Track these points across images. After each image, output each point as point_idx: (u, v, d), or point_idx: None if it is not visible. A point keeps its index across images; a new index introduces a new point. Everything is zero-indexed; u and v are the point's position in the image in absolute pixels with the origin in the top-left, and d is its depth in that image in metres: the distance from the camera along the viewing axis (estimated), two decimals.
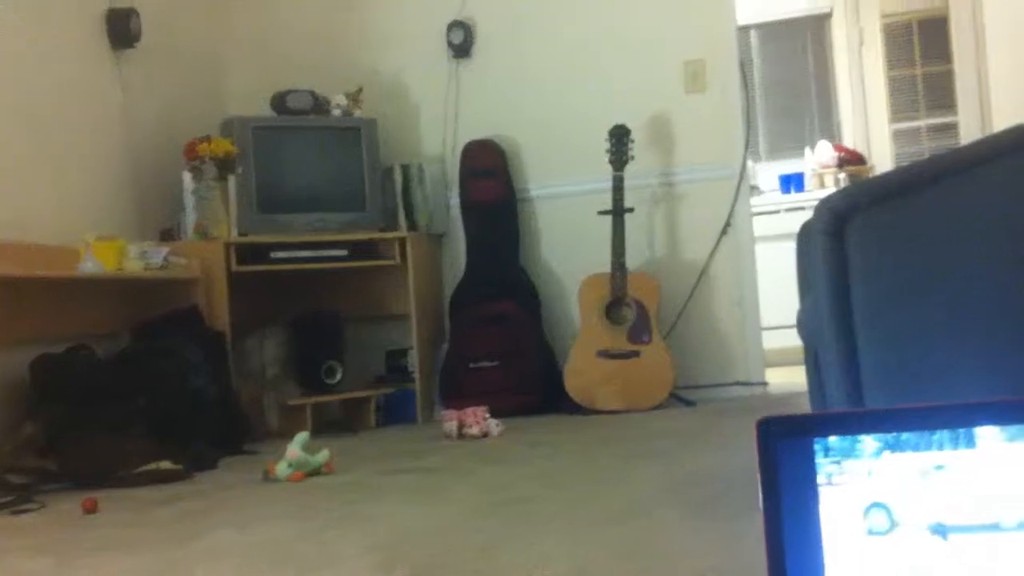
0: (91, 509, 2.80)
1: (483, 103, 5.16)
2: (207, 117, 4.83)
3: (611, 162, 4.69)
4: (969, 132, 5.86)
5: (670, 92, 4.98)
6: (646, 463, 3.06)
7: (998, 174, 2.14)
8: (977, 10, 6.00)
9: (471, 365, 4.73)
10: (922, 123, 7.06)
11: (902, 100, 7.11)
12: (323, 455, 3.26)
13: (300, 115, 4.79)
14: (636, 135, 4.75)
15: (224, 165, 4.53)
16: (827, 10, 7.19)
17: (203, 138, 4.54)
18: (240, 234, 4.51)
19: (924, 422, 1.07)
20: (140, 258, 4.08)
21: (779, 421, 1.17)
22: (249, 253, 4.48)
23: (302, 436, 3.27)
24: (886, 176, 2.96)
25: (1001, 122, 4.94)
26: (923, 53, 7.05)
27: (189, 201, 4.54)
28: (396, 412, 4.74)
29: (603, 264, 4.63)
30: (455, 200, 5.10)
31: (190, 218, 4.53)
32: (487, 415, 4.03)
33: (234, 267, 4.40)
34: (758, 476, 1.15)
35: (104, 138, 4.46)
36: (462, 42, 5.14)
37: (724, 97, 4.95)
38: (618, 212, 4.65)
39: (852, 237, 2.07)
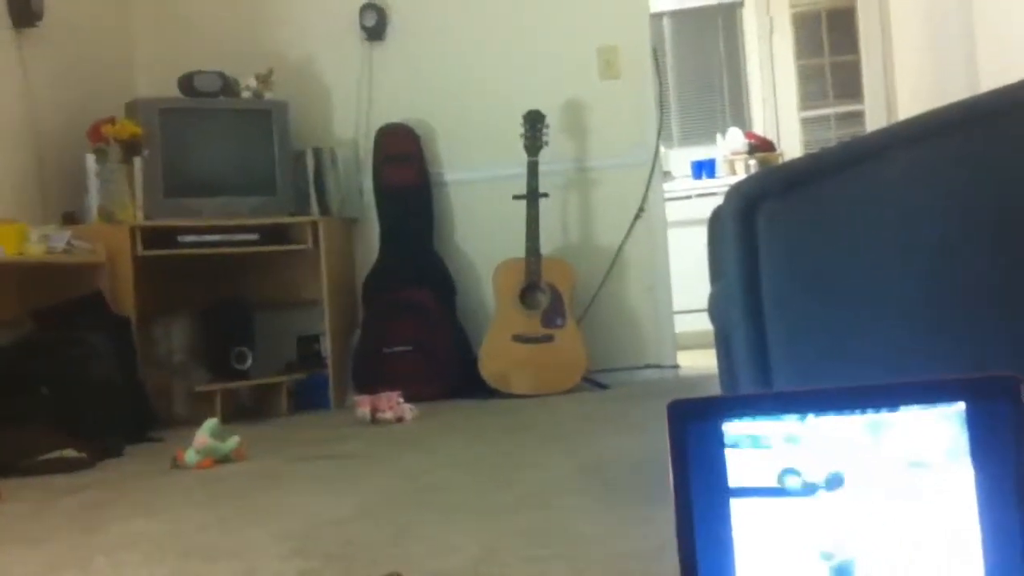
0: None
1: (397, 87, 5.12)
2: (112, 98, 4.69)
3: (525, 147, 4.69)
4: (875, 120, 6.00)
5: (584, 78, 4.99)
6: (559, 447, 3.07)
7: (902, 162, 2.18)
8: (883, 1, 6.14)
9: (385, 351, 4.69)
10: (830, 111, 7.21)
11: (811, 88, 7.24)
12: (233, 442, 3.21)
13: (209, 97, 4.69)
14: (550, 120, 4.76)
15: (130, 147, 4.42)
16: None
17: (108, 119, 4.43)
18: (146, 218, 4.40)
19: (830, 404, 1.08)
20: (41, 242, 3.96)
21: (689, 404, 1.17)
22: (156, 237, 4.38)
23: (211, 423, 3.21)
24: (795, 163, 3.01)
25: (905, 111, 5.06)
26: (831, 42, 7.19)
27: (93, 184, 4.42)
28: (309, 398, 4.69)
29: (517, 249, 4.63)
30: (368, 184, 5.05)
31: (94, 201, 4.41)
32: (400, 400, 4.00)
33: (140, 252, 4.29)
34: (669, 458, 1.16)
35: (4, 119, 4.31)
36: (375, 25, 5.09)
37: (637, 83, 4.98)
38: (532, 197, 4.65)
39: (762, 222, 2.10)
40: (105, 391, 3.76)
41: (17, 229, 3.87)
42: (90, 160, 4.41)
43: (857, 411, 1.06)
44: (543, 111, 4.73)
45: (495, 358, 4.56)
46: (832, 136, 7.07)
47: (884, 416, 1.04)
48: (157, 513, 2.48)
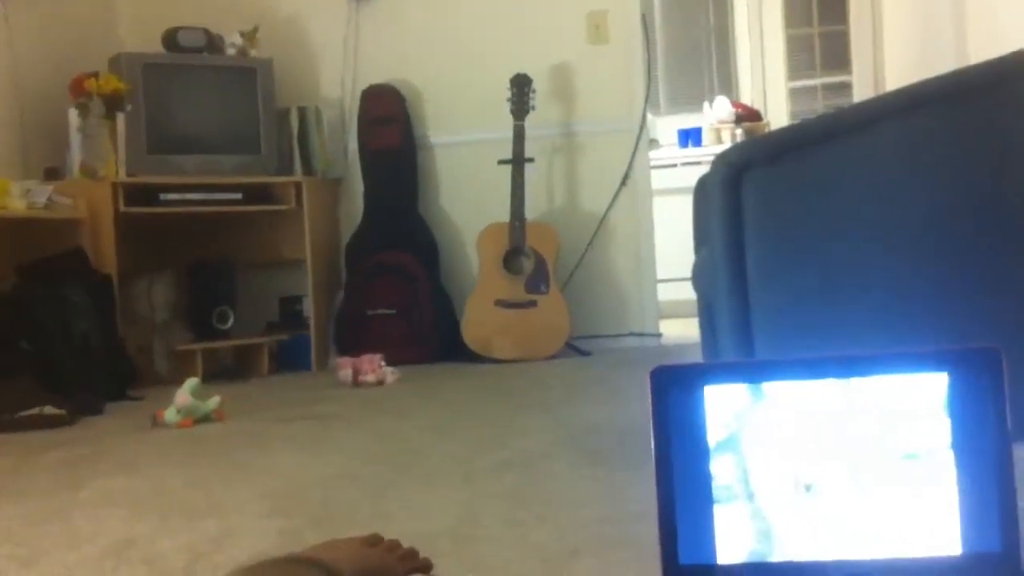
0: None
1: (384, 48, 5.08)
2: (96, 53, 4.64)
3: (512, 111, 4.66)
4: (862, 91, 5.99)
5: (572, 43, 4.96)
6: (539, 413, 3.08)
7: (889, 134, 2.19)
8: None
9: (368, 313, 4.69)
10: (818, 81, 7.20)
11: (799, 59, 7.23)
12: (214, 402, 3.21)
13: (193, 53, 4.65)
14: (538, 85, 4.73)
15: (112, 103, 4.37)
16: None
17: (91, 74, 4.38)
18: (128, 175, 4.37)
19: (811, 372, 1.09)
20: (23, 197, 3.93)
21: (671, 371, 1.18)
22: (138, 194, 4.35)
23: (192, 382, 3.20)
24: (781, 132, 3.01)
25: (893, 82, 5.06)
26: (820, 13, 7.16)
27: (75, 139, 4.38)
28: (290, 359, 4.69)
29: (502, 214, 4.62)
30: (353, 145, 5.02)
31: (76, 157, 4.37)
32: (383, 363, 4.00)
33: (122, 208, 4.26)
34: (651, 424, 1.16)
35: None
36: None
37: (626, 50, 4.96)
38: (518, 162, 4.64)
39: (747, 191, 2.10)
40: (85, 348, 3.75)
41: None
42: (72, 115, 4.36)
43: (839, 378, 1.06)
44: (531, 75, 4.71)
45: (478, 323, 4.56)
46: (819, 107, 7.07)
47: (865, 382, 1.05)
48: (137, 471, 2.48)
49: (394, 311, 4.68)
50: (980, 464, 1.00)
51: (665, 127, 7.05)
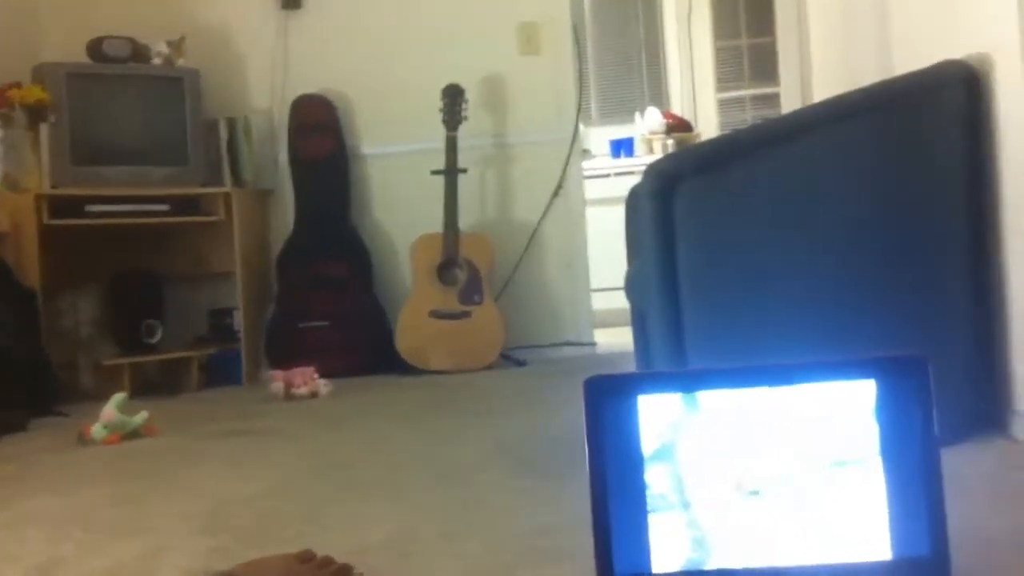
0: None
1: (314, 57, 5.04)
2: (17, 63, 4.53)
3: (444, 122, 4.65)
4: (790, 102, 6.08)
5: (504, 53, 4.97)
6: (474, 424, 3.07)
7: (814, 144, 2.22)
8: None
9: (300, 325, 4.63)
10: (746, 92, 7.30)
11: (728, 70, 7.32)
12: (141, 417, 3.14)
13: (118, 63, 4.56)
14: (470, 95, 4.73)
15: (36, 113, 4.28)
16: None
17: (13, 84, 4.28)
18: (53, 186, 4.27)
19: (742, 380, 1.10)
20: None
21: (605, 381, 1.17)
22: (62, 206, 4.25)
23: (119, 397, 3.13)
24: (710, 143, 3.04)
25: (820, 94, 5.14)
26: (748, 24, 7.26)
27: None
28: (221, 373, 4.61)
29: (435, 224, 4.60)
30: (283, 156, 4.97)
31: None
32: (316, 375, 3.96)
33: (46, 220, 4.17)
34: (585, 435, 1.16)
35: None
36: None
37: (557, 60, 4.98)
38: (451, 172, 4.63)
39: (678, 201, 2.12)
40: (6, 363, 3.65)
41: None
42: None
43: (769, 385, 1.07)
44: (463, 86, 4.70)
45: (412, 334, 4.54)
46: (748, 117, 7.16)
47: (796, 390, 1.06)
48: (62, 489, 2.42)
49: (327, 323, 4.64)
50: (908, 469, 1.01)
51: (597, 137, 7.09)
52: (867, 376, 1.03)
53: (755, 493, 1.10)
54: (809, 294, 2.13)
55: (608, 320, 5.20)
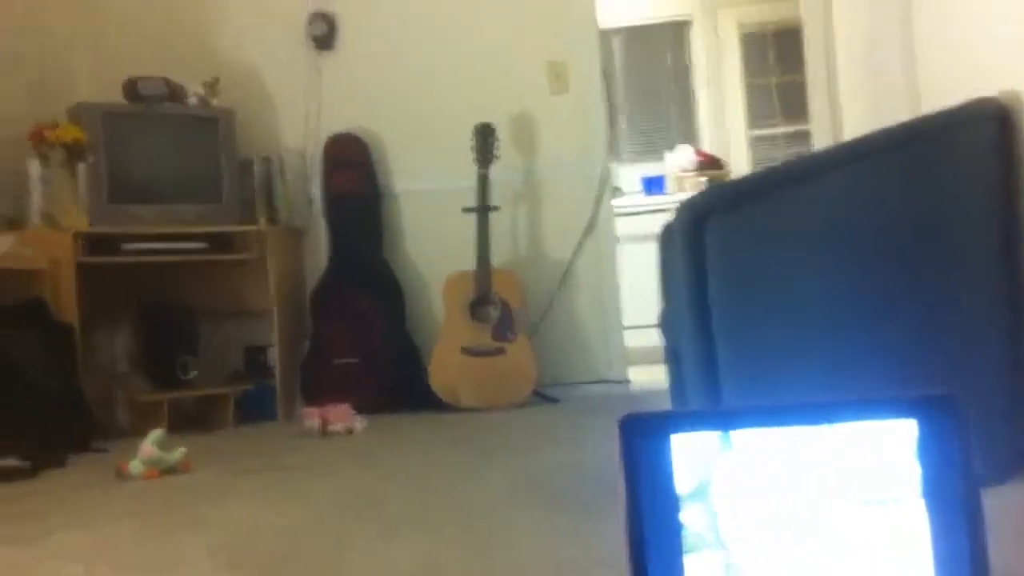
0: None
1: (346, 97, 5.10)
2: (55, 103, 4.61)
3: (476, 160, 4.69)
4: (821, 140, 6.07)
5: (534, 92, 5.01)
6: (505, 460, 3.07)
7: (841, 180, 2.22)
8: (828, 22, 6.22)
9: (334, 361, 4.66)
10: (778, 130, 7.30)
11: (759, 107, 7.33)
12: (179, 453, 3.16)
13: (154, 103, 4.64)
14: (501, 134, 4.76)
15: (73, 152, 4.35)
16: (687, 18, 7.36)
17: (51, 124, 4.35)
18: (90, 224, 4.34)
19: (779, 419, 1.09)
20: None
21: (640, 419, 1.17)
22: (99, 244, 4.31)
23: (157, 433, 3.16)
24: (742, 180, 3.06)
25: (851, 131, 5.13)
26: (779, 62, 7.28)
27: (36, 189, 4.34)
28: (256, 409, 4.64)
29: (468, 261, 4.63)
30: (316, 194, 5.02)
31: (36, 207, 4.33)
32: (351, 412, 3.97)
33: (83, 258, 4.23)
34: (620, 472, 1.16)
35: None
36: (324, 34, 5.07)
37: (587, 99, 5.01)
38: (483, 210, 4.65)
39: (709, 239, 2.12)
40: (45, 400, 3.69)
41: None
42: (32, 165, 4.33)
43: (807, 425, 1.07)
44: (493, 124, 4.74)
45: (445, 371, 4.54)
46: (780, 155, 7.16)
47: (834, 429, 1.05)
48: (96, 524, 2.44)
49: (359, 359, 4.66)
50: (951, 512, 1.00)
51: (629, 175, 7.11)
52: (908, 415, 1.03)
53: (792, 534, 1.09)
54: (843, 331, 2.13)
55: (641, 357, 5.19)
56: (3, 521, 2.54)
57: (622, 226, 5.36)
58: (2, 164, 4.45)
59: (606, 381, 4.89)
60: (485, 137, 4.71)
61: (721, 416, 1.13)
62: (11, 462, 3.19)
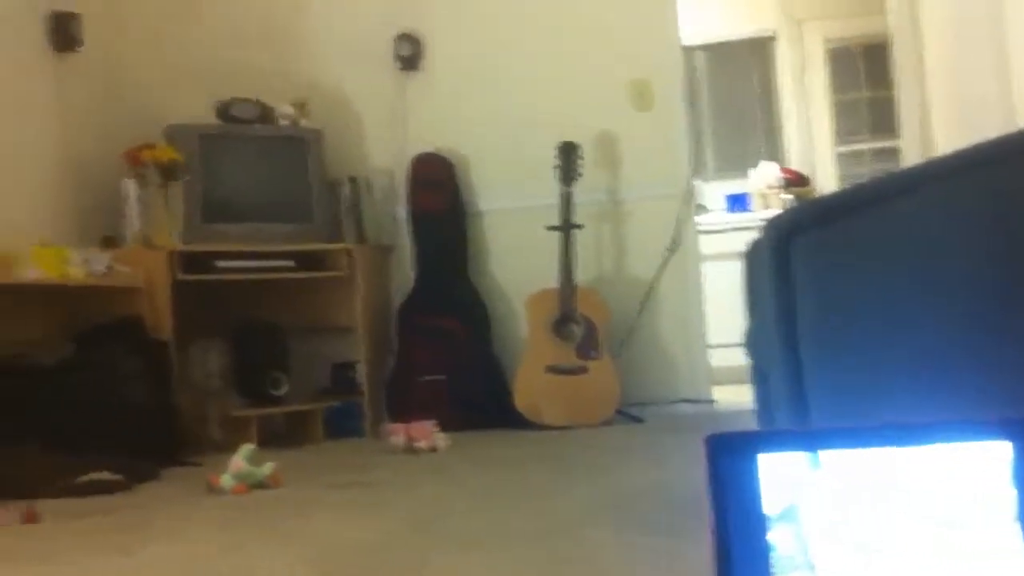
0: (31, 520, 2.74)
1: (432, 116, 5.16)
2: (150, 124, 4.75)
3: (560, 178, 4.71)
4: (911, 156, 5.97)
5: (618, 110, 5.01)
6: (587, 479, 3.06)
7: (933, 197, 2.18)
8: (917, 37, 6.12)
9: (419, 379, 4.70)
10: (866, 146, 7.18)
11: (846, 123, 7.22)
12: (268, 468, 3.22)
13: (246, 124, 4.75)
14: (584, 151, 4.77)
15: (168, 172, 4.48)
16: (771, 34, 7.29)
17: (146, 145, 4.49)
18: (184, 243, 4.45)
19: (869, 439, 1.08)
20: (82, 265, 4.02)
21: (727, 438, 1.17)
22: (193, 262, 4.43)
23: (247, 448, 3.22)
24: (831, 197, 3.02)
25: (943, 147, 5.04)
26: (867, 77, 7.17)
27: (133, 208, 4.47)
28: (343, 425, 4.70)
29: (551, 279, 4.64)
30: (403, 212, 5.08)
31: (132, 226, 4.46)
32: (435, 429, 4.01)
33: (178, 276, 4.34)
34: (707, 493, 1.16)
35: (43, 142, 4.39)
36: (410, 55, 5.14)
37: (670, 116, 4.99)
38: (567, 228, 4.67)
39: (798, 256, 2.09)
40: (141, 415, 3.80)
41: (57, 252, 3.93)
42: (129, 185, 4.46)
43: (898, 446, 1.06)
44: (576, 142, 4.75)
45: (528, 389, 4.56)
46: (868, 171, 7.04)
47: (926, 451, 1.04)
48: (186, 536, 2.50)
49: (444, 376, 4.70)
50: None
51: (713, 192, 7.05)
52: (1003, 437, 1.01)
53: (881, 557, 1.08)
54: (934, 352, 2.08)
55: (726, 377, 5.14)
56: (102, 532, 2.62)
57: (706, 244, 5.32)
58: (101, 184, 4.61)
59: (690, 400, 4.85)
60: (569, 155, 4.72)
61: (810, 436, 1.13)
62: (107, 475, 3.28)
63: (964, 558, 1.01)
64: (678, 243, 4.94)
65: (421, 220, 5.01)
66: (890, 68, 6.41)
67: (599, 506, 2.56)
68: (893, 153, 6.80)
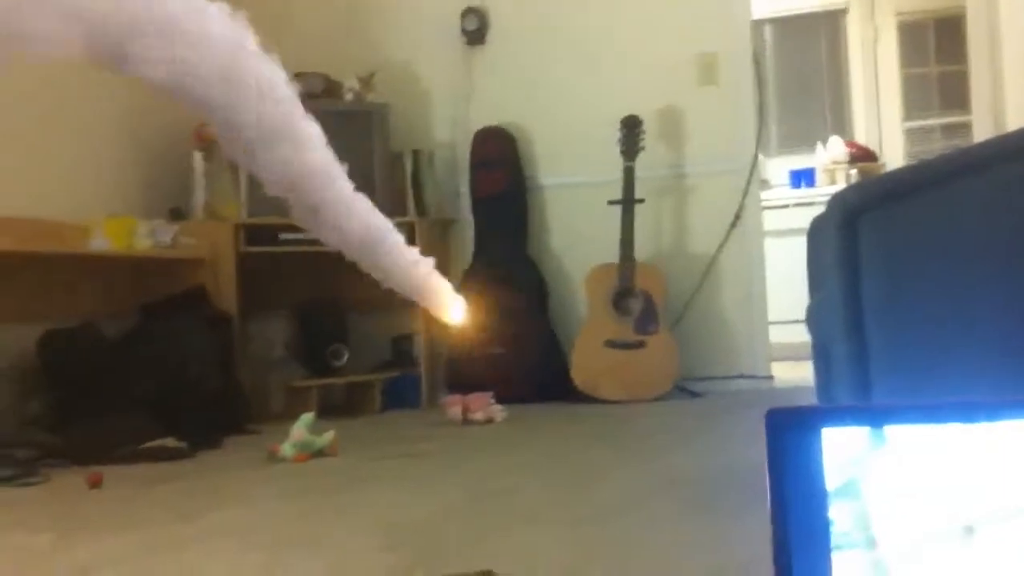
0: (96, 483, 2.80)
1: (496, 91, 5.15)
2: None
3: (622, 152, 4.67)
4: (982, 132, 5.83)
5: (682, 84, 4.96)
6: (645, 455, 3.05)
7: (1006, 176, 2.13)
8: (993, 10, 5.96)
9: (478, 352, 4.72)
10: (935, 122, 7.03)
11: (916, 98, 7.08)
12: (328, 436, 3.26)
13: (312, 98, 4.78)
14: (647, 126, 4.73)
15: None
16: (842, 6, 7.16)
17: None
18: (249, 216, 4.50)
19: (935, 416, 1.06)
20: (149, 236, 4.08)
21: (788, 413, 1.16)
22: (258, 235, 4.47)
23: (308, 417, 3.26)
24: (898, 173, 2.96)
25: (1015, 123, 4.91)
26: (938, 51, 7.01)
27: (199, 181, 4.53)
28: (400, 397, 4.74)
29: (611, 254, 4.62)
30: (464, 187, 5.09)
31: (199, 198, 4.53)
32: (492, 401, 4.02)
33: (243, 248, 4.39)
34: (766, 470, 1.15)
35: (111, 116, 4.46)
36: (476, 29, 5.13)
37: (736, 90, 4.93)
38: (628, 202, 4.64)
39: (864, 232, 2.06)
40: (204, 385, 3.86)
41: (125, 223, 4.00)
42: (197, 158, 4.52)
43: (964, 423, 1.03)
44: (640, 116, 4.71)
45: (587, 363, 4.55)
46: (938, 147, 6.89)
47: (993, 427, 1.02)
48: (251, 503, 2.54)
49: (503, 350, 4.70)
50: None
51: (776, 168, 6.96)
52: None
53: (946, 535, 1.06)
54: (1002, 330, 2.04)
55: (785, 353, 5.09)
56: (165, 498, 2.67)
57: (768, 220, 5.26)
58: (168, 157, 4.67)
59: (749, 376, 4.81)
60: (632, 129, 4.69)
61: (874, 411, 1.11)
62: (171, 442, 3.35)
63: None
64: (740, 219, 4.89)
65: (481, 195, 5.01)
66: (962, 42, 6.26)
67: (658, 483, 2.55)
68: (963, 128, 6.65)
